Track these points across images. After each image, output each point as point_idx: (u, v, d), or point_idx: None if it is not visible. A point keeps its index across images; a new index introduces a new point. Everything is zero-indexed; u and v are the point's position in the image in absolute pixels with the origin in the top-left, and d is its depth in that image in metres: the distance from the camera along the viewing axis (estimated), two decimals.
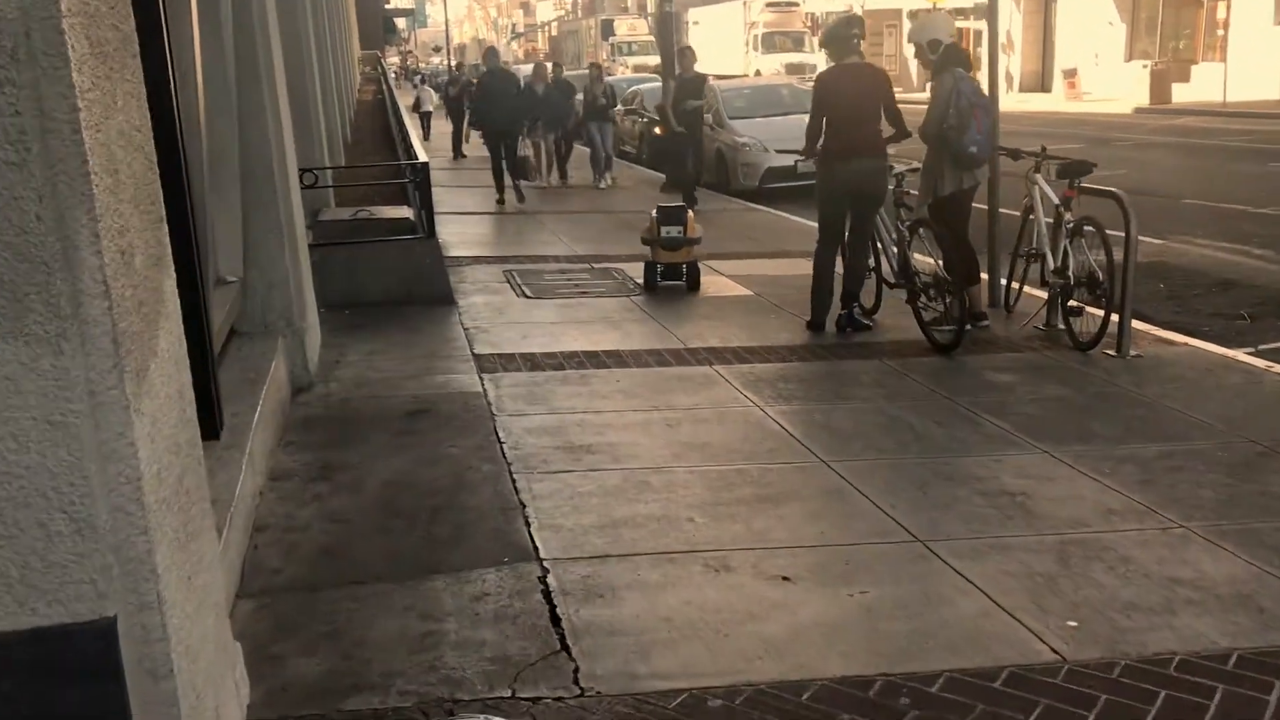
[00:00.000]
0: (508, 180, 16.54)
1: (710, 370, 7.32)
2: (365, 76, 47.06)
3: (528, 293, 9.89)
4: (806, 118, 18.94)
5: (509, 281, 10.39)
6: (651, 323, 8.74)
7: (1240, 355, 7.71)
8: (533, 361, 7.48)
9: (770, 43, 50.31)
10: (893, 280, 8.57)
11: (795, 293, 9.79)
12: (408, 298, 9.29)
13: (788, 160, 18.03)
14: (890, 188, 8.40)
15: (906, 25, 54.23)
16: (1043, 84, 42.74)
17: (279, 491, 5.16)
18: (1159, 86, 35.60)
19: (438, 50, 79.97)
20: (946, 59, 8.15)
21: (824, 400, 6.69)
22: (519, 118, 16.91)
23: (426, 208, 9.33)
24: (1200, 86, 35.52)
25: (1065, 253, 8.03)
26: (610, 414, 6.34)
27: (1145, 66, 37.02)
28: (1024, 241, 8.77)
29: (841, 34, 8.38)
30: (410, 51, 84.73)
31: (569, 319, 8.85)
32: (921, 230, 8.16)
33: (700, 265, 10.08)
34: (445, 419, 6.23)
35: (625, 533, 4.68)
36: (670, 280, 9.82)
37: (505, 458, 5.59)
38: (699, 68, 17.47)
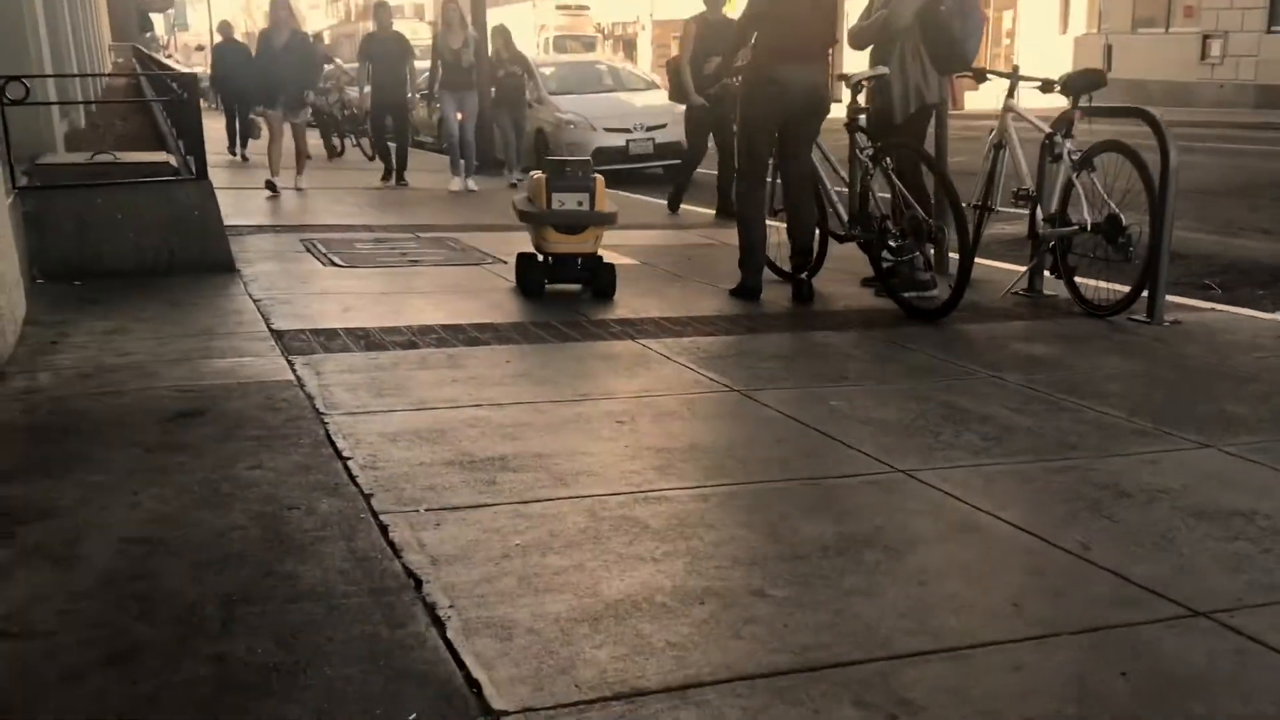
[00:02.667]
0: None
1: (637, 345, 4.98)
2: (117, 67, 42.42)
3: (338, 261, 7.26)
4: (633, 95, 16.38)
5: (310, 251, 7.72)
6: (520, 292, 6.32)
7: None
8: (367, 338, 4.94)
9: (561, 46, 48.51)
10: (843, 231, 6.42)
11: (687, 262, 7.63)
12: (169, 265, 6.52)
13: (618, 140, 15.98)
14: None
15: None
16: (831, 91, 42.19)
17: None
18: (954, 92, 35.53)
19: (200, 49, 74.15)
20: None
21: (825, 382, 4.46)
22: (249, 84, 14.11)
23: (193, 136, 6.59)
24: (990, 93, 35.66)
25: (1069, 193, 6.09)
26: (517, 406, 3.91)
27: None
28: (992, 189, 6.81)
29: None
30: (171, 55, 78.19)
31: (406, 289, 6.31)
32: (887, 159, 6.02)
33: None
34: (236, 423, 3.65)
35: (646, 629, 2.28)
36: (563, 282, 6.16)
37: (358, 484, 3.08)
38: None
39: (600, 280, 6.12)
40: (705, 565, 2.60)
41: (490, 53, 13.16)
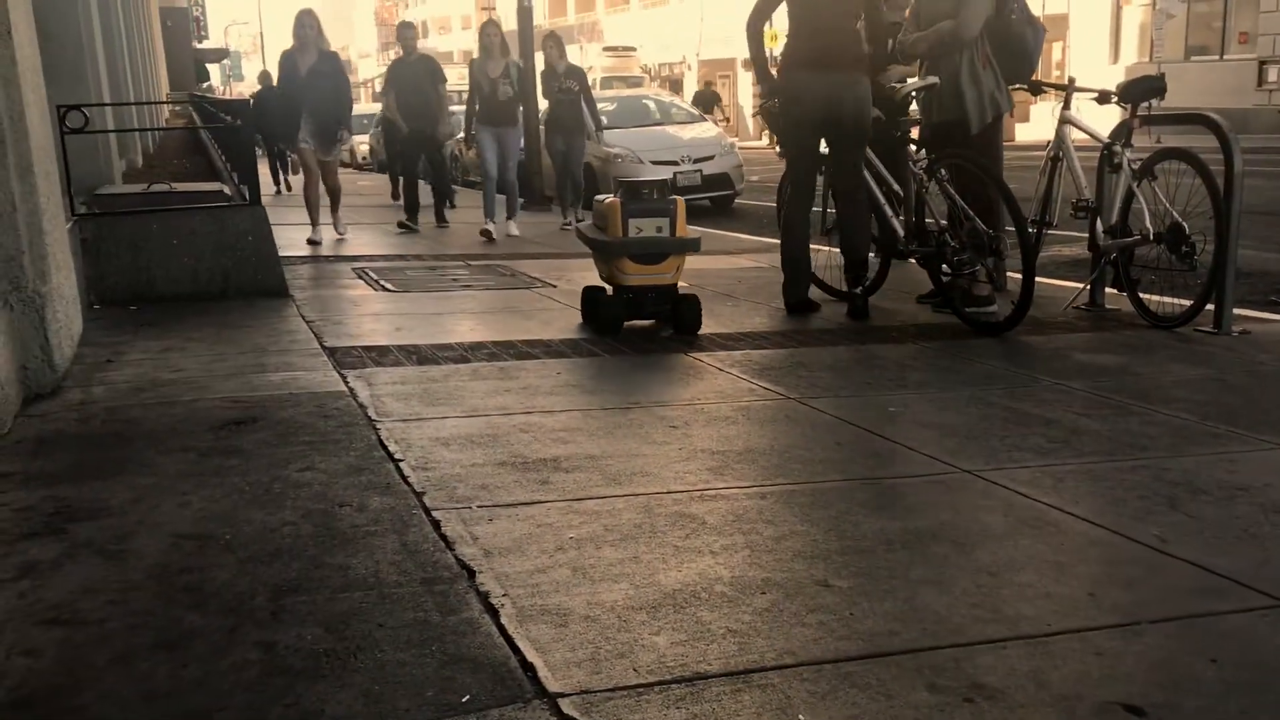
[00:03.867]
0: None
1: (688, 358, 4.92)
2: (174, 114, 43.43)
3: (389, 287, 7.29)
4: (680, 128, 15.56)
5: (361, 278, 7.77)
6: (571, 312, 6.27)
7: None
8: (418, 354, 4.93)
9: (609, 87, 48.96)
10: (900, 246, 6.30)
11: (734, 283, 7.57)
12: (223, 289, 6.58)
13: (666, 173, 15.92)
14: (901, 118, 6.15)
15: (741, 75, 53.77)
16: None
17: None
18: (1005, 125, 35.26)
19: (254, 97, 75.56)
20: None
21: (883, 389, 4.36)
22: (274, 115, 13.02)
23: (245, 163, 6.66)
24: (1041, 126, 35.38)
25: (1130, 204, 5.95)
26: (569, 413, 3.86)
27: None
28: (1050, 204, 6.66)
29: None
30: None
31: (456, 310, 6.31)
32: (942, 171, 5.90)
33: None
34: (288, 429, 3.63)
35: (705, 617, 2.20)
36: (642, 318, 5.54)
37: (409, 484, 3.04)
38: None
39: (684, 314, 5.48)
40: (765, 558, 2.52)
41: (543, 66, 11.60)
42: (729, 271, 8.27)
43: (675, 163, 15.64)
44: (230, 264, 6.61)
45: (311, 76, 9.42)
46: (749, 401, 4.11)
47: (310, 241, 9.67)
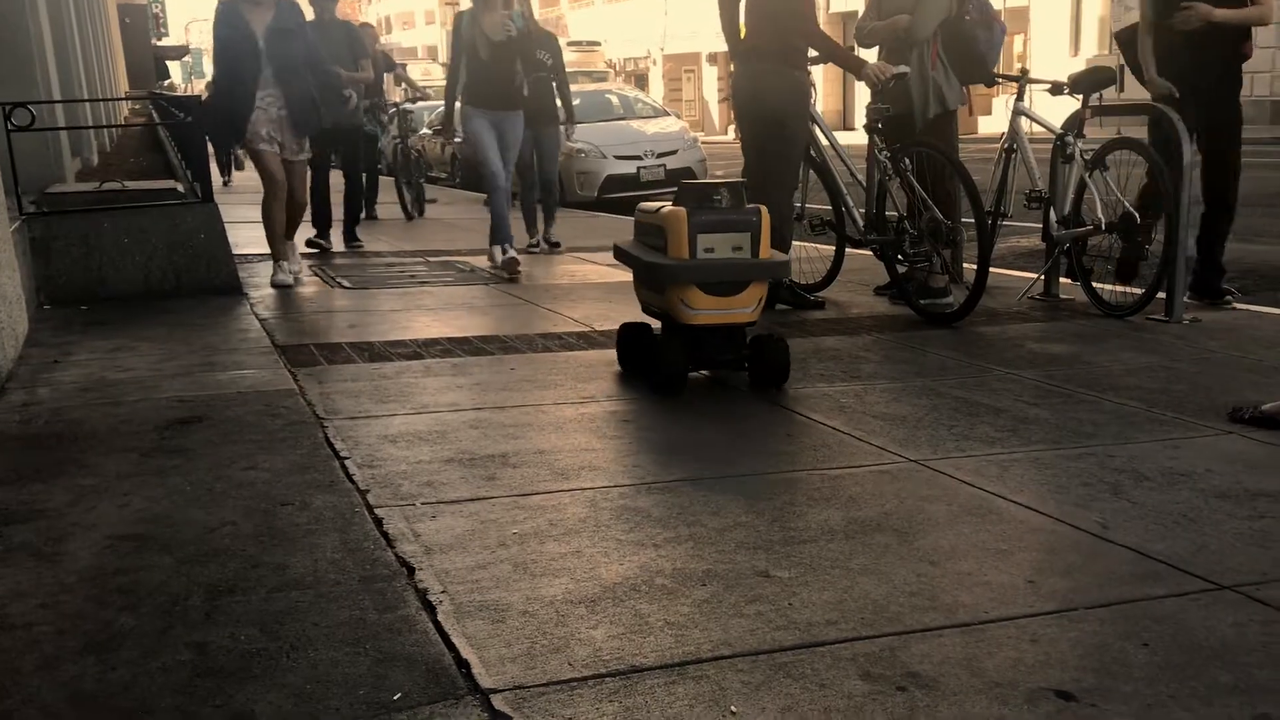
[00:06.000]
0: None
1: None
2: (134, 112, 42.91)
3: (345, 284, 7.24)
4: (643, 123, 15.03)
5: (318, 274, 7.70)
6: (528, 307, 6.26)
7: None
8: (371, 351, 4.89)
9: (574, 81, 48.67)
10: (859, 235, 6.29)
11: None
12: (175, 287, 6.51)
13: (629, 168, 15.88)
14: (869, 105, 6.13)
15: (706, 70, 53.79)
16: (845, 123, 42.49)
17: None
18: (965, 118, 35.46)
19: None
20: None
21: (835, 380, 4.37)
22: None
23: (197, 160, 6.58)
24: (1002, 118, 35.58)
25: (1082, 194, 6.00)
26: (520, 409, 3.84)
27: None
28: (1004, 195, 6.70)
29: None
30: None
31: (413, 306, 6.27)
32: (907, 160, 5.88)
33: (569, 257, 7.41)
34: (235, 429, 3.59)
35: (644, 609, 2.19)
36: (712, 367, 4.33)
37: (353, 481, 3.01)
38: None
39: (769, 360, 4.19)
40: (708, 550, 2.52)
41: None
42: None
43: (639, 157, 15.61)
44: (183, 262, 6.54)
45: (273, 39, 6.41)
46: (702, 394, 4.10)
47: (277, 285, 6.87)
